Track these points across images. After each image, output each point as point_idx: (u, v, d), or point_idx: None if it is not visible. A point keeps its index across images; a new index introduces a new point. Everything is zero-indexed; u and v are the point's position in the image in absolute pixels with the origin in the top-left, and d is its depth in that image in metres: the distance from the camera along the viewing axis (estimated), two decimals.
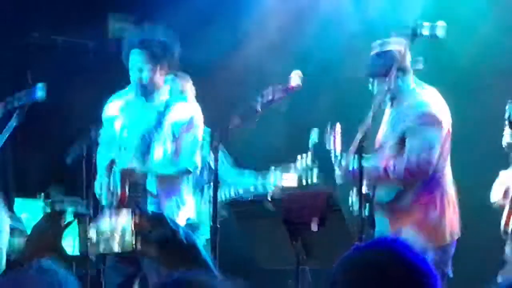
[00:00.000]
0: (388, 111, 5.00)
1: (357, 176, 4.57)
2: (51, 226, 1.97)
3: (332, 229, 4.25)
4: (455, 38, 5.28)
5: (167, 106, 4.99)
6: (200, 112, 5.04)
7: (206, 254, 1.99)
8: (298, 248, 4.32)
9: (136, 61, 4.88)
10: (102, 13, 6.87)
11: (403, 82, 4.92)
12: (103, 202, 5.08)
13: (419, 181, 4.83)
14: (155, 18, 6.01)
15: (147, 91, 4.90)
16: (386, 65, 4.77)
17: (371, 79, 4.95)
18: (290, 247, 4.32)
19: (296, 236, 4.31)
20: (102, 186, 5.06)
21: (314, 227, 4.26)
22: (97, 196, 5.08)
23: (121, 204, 4.88)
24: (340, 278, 1.93)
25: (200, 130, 4.97)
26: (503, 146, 4.93)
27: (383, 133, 4.97)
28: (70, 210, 4.35)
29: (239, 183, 5.60)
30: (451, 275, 4.97)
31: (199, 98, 5.59)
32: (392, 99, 4.90)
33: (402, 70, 4.83)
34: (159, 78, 4.92)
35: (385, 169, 4.78)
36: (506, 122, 4.87)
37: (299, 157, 5.22)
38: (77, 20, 6.86)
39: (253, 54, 7.08)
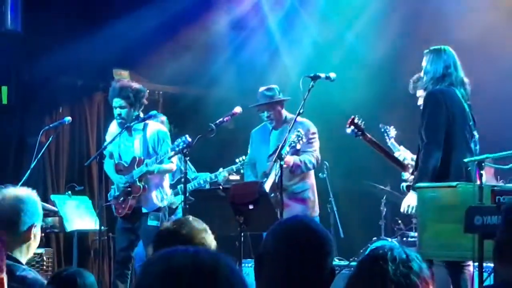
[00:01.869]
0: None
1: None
2: None
3: (262, 207, 4.90)
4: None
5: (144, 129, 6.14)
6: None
7: None
8: (240, 221, 4.92)
9: (116, 105, 6.14)
10: (110, 63, 7.96)
11: (283, 110, 6.27)
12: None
13: (308, 174, 6.29)
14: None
15: (126, 125, 6.09)
16: (273, 97, 6.11)
17: (260, 109, 6.15)
18: (235, 220, 4.93)
19: (239, 212, 4.94)
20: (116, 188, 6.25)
21: (250, 206, 4.89)
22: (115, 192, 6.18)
23: (128, 211, 5.98)
24: (270, 244, 2.13)
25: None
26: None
27: (273, 145, 6.18)
28: None
29: (200, 178, 6.97)
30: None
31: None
32: (277, 122, 6.18)
33: (282, 102, 6.18)
34: (133, 113, 6.12)
35: (305, 163, 6.16)
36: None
37: (237, 159, 6.90)
38: (92, 68, 7.84)
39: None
